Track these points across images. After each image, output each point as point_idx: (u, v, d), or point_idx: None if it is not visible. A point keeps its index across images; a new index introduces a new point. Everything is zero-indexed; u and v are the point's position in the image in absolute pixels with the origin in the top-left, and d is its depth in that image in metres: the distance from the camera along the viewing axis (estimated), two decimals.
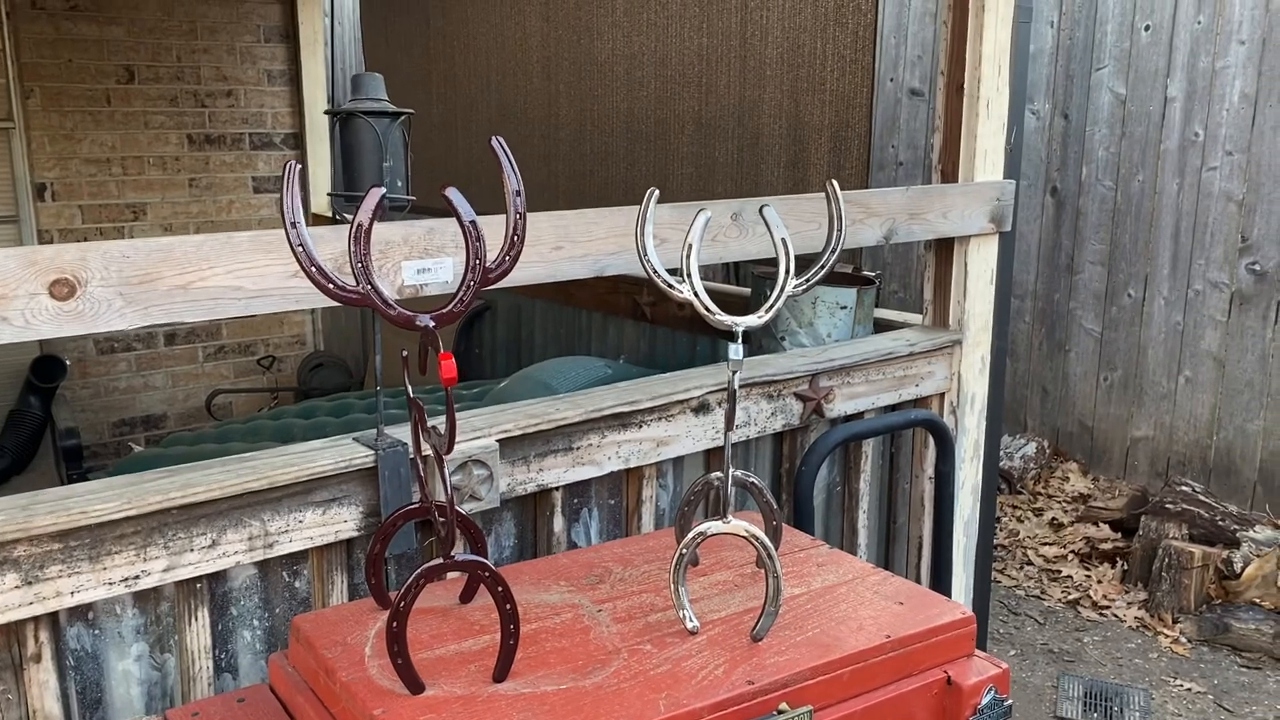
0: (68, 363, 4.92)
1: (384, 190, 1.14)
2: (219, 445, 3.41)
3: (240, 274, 1.50)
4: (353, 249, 1.13)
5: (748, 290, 3.10)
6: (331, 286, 1.15)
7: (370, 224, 1.13)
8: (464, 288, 1.20)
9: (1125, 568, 4.20)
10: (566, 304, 3.80)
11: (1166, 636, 3.80)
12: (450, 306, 1.20)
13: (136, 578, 1.53)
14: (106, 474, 3.31)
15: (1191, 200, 4.67)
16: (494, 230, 1.34)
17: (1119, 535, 4.38)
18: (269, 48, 5.58)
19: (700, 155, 3.30)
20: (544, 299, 3.90)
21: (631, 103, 3.50)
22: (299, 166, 1.12)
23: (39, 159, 5.02)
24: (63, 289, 1.38)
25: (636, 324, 3.48)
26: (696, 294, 1.35)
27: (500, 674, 1.27)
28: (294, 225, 1.12)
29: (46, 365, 4.74)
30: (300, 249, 1.13)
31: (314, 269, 1.13)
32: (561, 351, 3.83)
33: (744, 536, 1.38)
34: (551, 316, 3.92)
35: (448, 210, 1.19)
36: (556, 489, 1.97)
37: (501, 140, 1.20)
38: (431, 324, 1.19)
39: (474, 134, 4.36)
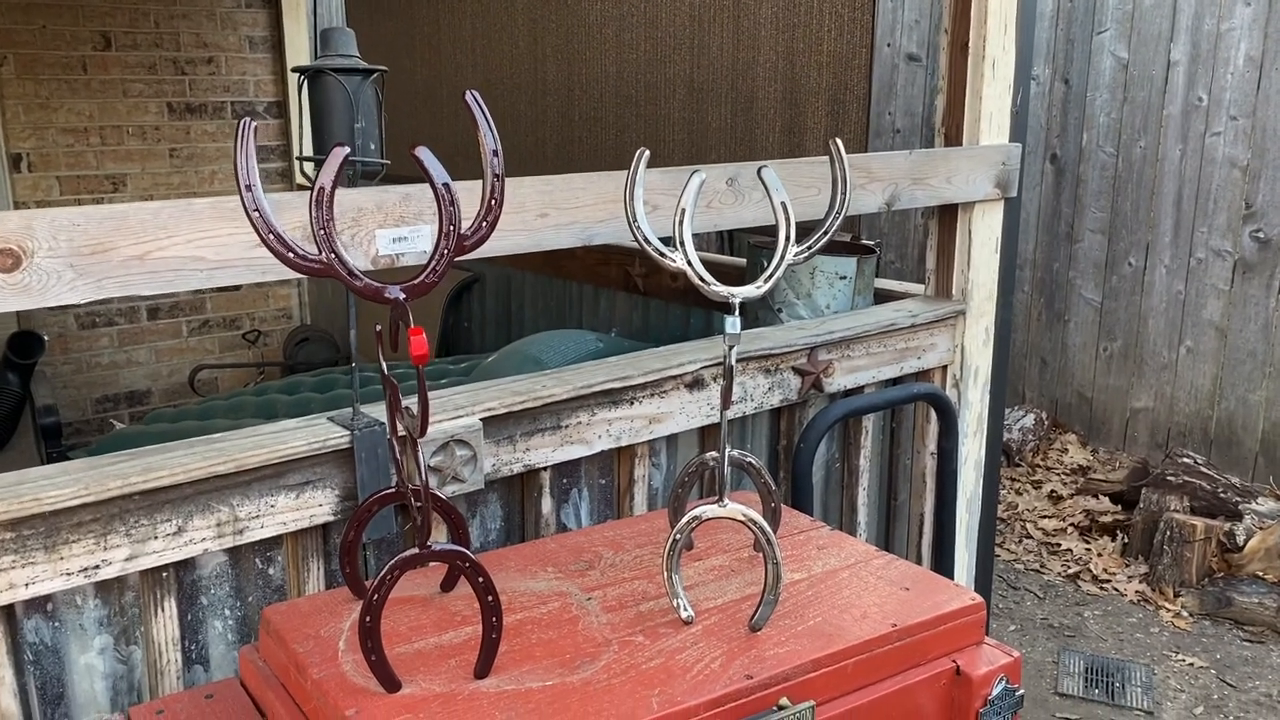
0: (46, 338, 4.80)
1: (348, 150, 1.04)
2: (201, 422, 3.32)
3: (200, 244, 1.40)
4: (314, 214, 1.03)
5: (743, 261, 3.01)
6: (292, 256, 1.05)
7: (333, 187, 1.03)
8: (437, 256, 1.11)
9: (1125, 541, 4.14)
10: (557, 275, 3.70)
11: (1168, 610, 3.74)
12: (422, 277, 1.11)
13: (97, 567, 1.45)
14: (88, 452, 3.22)
15: (1194, 166, 4.57)
16: (473, 196, 1.24)
17: (1119, 508, 4.32)
18: (250, 13, 5.42)
19: (692, 120, 3.19)
20: (534, 271, 3.80)
21: (621, 66, 3.38)
22: (254, 124, 1.02)
23: (14, 129, 4.88)
24: (7, 260, 1.28)
25: (629, 296, 3.39)
26: (690, 263, 1.25)
27: (482, 670, 1.19)
28: (249, 189, 1.02)
29: (24, 341, 4.61)
30: (257, 214, 1.03)
31: (272, 236, 1.03)
32: (552, 324, 3.74)
33: (741, 521, 1.30)
34: (541, 288, 3.83)
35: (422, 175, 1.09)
36: (544, 469, 1.89)
37: (477, 95, 1.10)
38: (401, 296, 1.09)
39: (459, 101, 4.24)
